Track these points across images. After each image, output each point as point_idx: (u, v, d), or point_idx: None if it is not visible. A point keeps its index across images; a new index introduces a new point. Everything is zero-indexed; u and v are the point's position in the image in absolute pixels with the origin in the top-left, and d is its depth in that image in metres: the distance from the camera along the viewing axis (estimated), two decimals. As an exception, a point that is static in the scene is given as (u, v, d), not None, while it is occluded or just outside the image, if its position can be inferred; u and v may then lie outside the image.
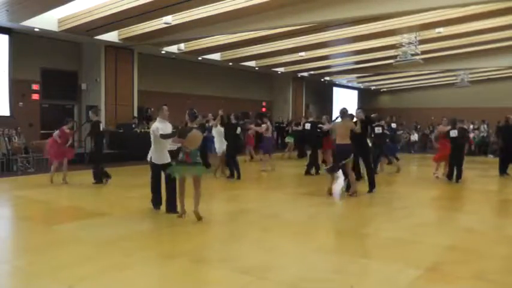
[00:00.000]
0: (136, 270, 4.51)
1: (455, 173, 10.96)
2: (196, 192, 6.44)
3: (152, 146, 7.05)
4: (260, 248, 5.43)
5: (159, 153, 6.99)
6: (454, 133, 10.86)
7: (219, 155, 11.62)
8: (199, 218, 6.39)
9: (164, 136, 6.77)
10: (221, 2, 12.01)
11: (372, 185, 9.26)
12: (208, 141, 13.53)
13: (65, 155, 10.16)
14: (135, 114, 17.21)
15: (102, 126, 10.56)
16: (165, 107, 7.19)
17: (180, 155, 6.40)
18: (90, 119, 10.45)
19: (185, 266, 4.67)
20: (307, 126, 12.63)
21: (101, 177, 10.06)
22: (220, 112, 11.60)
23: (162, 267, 4.59)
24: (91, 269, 4.51)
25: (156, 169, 7.06)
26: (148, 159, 7.23)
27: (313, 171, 12.21)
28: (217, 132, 11.49)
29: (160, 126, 6.93)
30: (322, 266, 4.78)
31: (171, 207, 6.92)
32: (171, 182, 6.83)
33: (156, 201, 7.21)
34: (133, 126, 16.43)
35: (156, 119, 7.37)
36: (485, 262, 4.96)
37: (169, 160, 7.04)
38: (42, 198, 8.59)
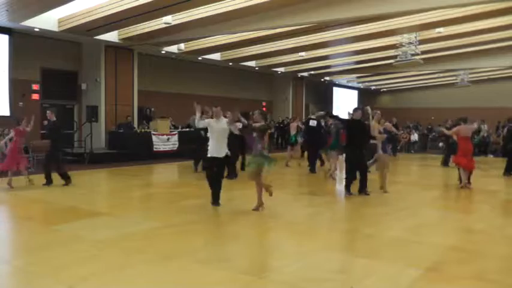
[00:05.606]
0: (136, 270, 4.50)
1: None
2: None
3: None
4: (260, 248, 5.42)
5: None
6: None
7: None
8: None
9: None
10: (221, 2, 12.01)
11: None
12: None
13: (18, 163, 9.59)
14: (133, 114, 17.12)
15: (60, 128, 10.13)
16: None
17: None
18: (49, 120, 9.94)
19: (185, 266, 4.66)
20: (312, 123, 12.29)
21: (64, 178, 9.63)
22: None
23: (162, 267, 4.58)
24: (91, 269, 4.50)
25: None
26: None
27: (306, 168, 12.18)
28: None
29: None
30: (323, 265, 4.78)
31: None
32: None
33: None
34: (132, 125, 16.42)
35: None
36: (485, 262, 4.96)
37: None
38: (42, 198, 8.59)
